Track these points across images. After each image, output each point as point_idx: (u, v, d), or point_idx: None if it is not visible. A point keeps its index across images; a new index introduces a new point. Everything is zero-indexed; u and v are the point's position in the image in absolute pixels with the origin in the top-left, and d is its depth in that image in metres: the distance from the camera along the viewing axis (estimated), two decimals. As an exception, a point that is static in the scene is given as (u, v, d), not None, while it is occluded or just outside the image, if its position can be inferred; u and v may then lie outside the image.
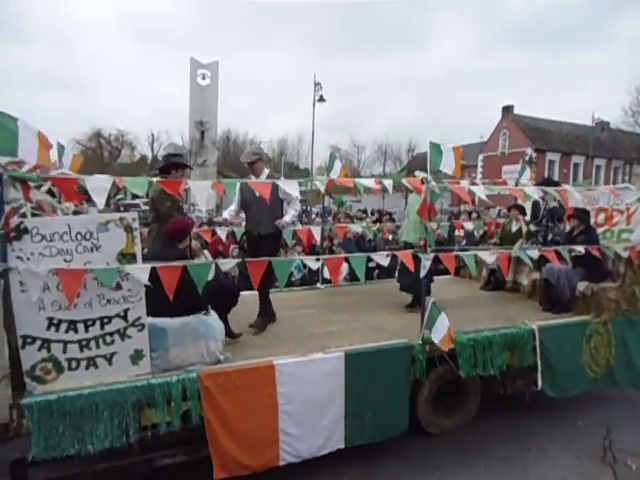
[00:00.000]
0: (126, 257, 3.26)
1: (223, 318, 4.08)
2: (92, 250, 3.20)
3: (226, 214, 5.23)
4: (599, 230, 6.02)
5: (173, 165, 4.39)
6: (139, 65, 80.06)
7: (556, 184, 5.75)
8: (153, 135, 45.08)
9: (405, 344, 4.14)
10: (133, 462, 3.39)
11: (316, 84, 27.60)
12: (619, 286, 5.29)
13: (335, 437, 3.89)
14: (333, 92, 66.60)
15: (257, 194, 4.44)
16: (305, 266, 7.45)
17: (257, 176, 4.87)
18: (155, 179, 3.65)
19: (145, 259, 3.45)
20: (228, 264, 3.67)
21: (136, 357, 3.39)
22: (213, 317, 3.86)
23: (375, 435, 4.08)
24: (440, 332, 4.05)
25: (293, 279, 7.72)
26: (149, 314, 3.44)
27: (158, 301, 3.43)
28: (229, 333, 4.20)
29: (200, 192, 4.33)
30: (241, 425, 3.52)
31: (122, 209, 19.18)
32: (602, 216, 6.29)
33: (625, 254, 5.19)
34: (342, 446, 3.92)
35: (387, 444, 4.18)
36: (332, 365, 3.84)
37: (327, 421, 3.83)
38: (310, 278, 7.59)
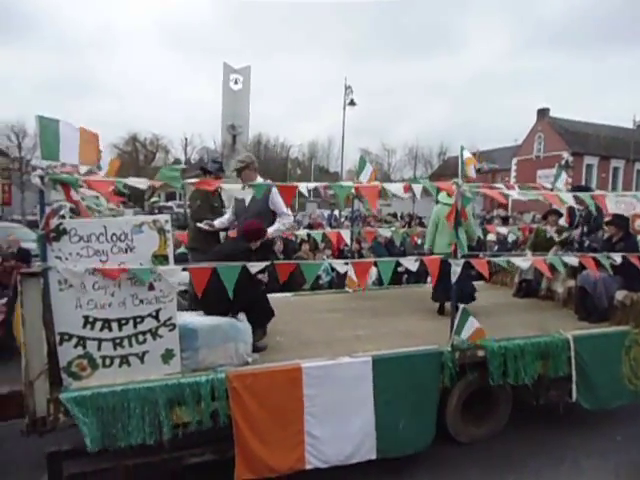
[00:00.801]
0: (159, 258, 3.35)
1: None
2: (126, 251, 3.30)
3: (224, 221, 4.99)
4: (638, 237, 5.81)
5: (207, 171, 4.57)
6: (174, 71, 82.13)
7: (588, 190, 5.57)
8: (186, 139, 46.11)
9: (434, 350, 4.08)
10: (163, 459, 3.46)
11: (347, 87, 27.64)
12: (661, 296, 5.07)
13: (366, 446, 3.82)
14: (364, 95, 66.05)
15: (246, 204, 4.45)
16: (333, 269, 7.45)
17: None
18: (188, 180, 3.73)
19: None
20: (257, 266, 3.70)
21: (167, 356, 3.47)
22: (243, 320, 3.91)
23: (408, 447, 4.00)
24: (469, 329, 3.99)
25: (321, 282, 7.74)
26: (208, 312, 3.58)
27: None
28: (253, 347, 4.07)
29: (231, 194, 4.47)
30: (267, 426, 3.54)
31: (156, 211, 19.70)
32: (639, 223, 6.07)
33: (667, 262, 4.96)
34: (374, 457, 3.84)
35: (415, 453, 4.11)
36: (359, 370, 3.82)
37: (356, 428, 3.79)
38: (339, 282, 7.59)
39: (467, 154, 4.47)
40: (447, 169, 40.85)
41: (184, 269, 3.53)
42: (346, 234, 7.30)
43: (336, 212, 21.46)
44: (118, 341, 3.35)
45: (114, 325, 3.32)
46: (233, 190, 3.99)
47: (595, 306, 5.28)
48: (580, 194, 4.90)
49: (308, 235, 8.35)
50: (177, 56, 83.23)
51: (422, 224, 13.36)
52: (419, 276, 8.61)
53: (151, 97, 76.59)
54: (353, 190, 4.43)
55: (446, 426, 4.30)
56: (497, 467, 4.20)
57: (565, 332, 4.56)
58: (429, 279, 7.08)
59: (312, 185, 4.37)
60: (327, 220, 19.82)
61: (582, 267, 5.06)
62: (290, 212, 4.75)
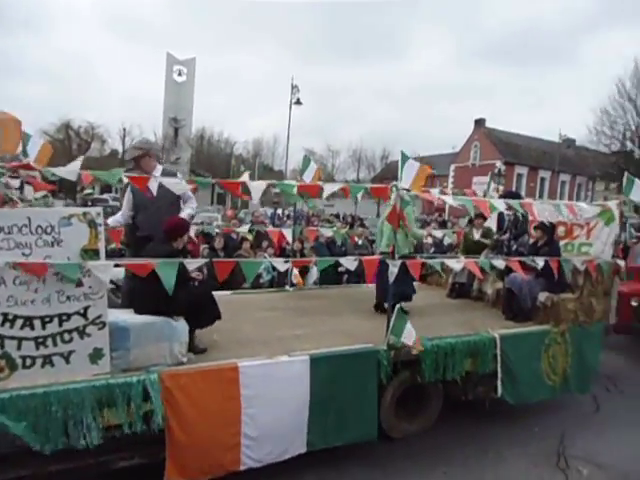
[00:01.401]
0: (89, 253, 3.18)
1: (191, 332, 3.93)
2: (53, 245, 3.11)
3: (119, 219, 4.60)
4: (561, 243, 6.24)
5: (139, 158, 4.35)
6: (112, 57, 78.32)
7: (518, 197, 5.93)
8: (125, 130, 44.07)
9: (371, 349, 4.17)
10: (88, 464, 3.29)
11: (293, 87, 27.69)
12: (577, 297, 5.48)
13: (298, 441, 3.85)
14: (311, 96, 66.62)
15: (155, 194, 4.00)
16: (275, 268, 7.42)
17: (147, 173, 4.35)
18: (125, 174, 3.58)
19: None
20: (194, 264, 3.61)
21: (95, 356, 3.30)
22: (179, 319, 3.79)
23: (338, 439, 4.07)
24: (411, 335, 4.10)
25: (262, 281, 7.69)
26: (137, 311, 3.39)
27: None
28: (192, 348, 3.95)
29: (178, 190, 4.31)
30: (202, 427, 3.45)
31: (89, 204, 18.69)
32: (562, 229, 6.53)
33: (583, 267, 5.38)
34: (304, 450, 3.89)
35: (349, 449, 4.18)
36: (297, 368, 3.83)
37: (291, 425, 3.80)
38: (280, 280, 7.57)
39: (412, 164, 4.51)
40: (389, 172, 41.92)
41: (116, 265, 3.38)
42: (288, 233, 7.30)
43: (279, 211, 21.39)
44: (41, 340, 3.14)
45: (37, 323, 3.12)
46: (172, 185, 3.88)
47: (520, 307, 5.60)
48: (510, 201, 5.20)
49: (251, 230, 8.29)
50: (117, 43, 79.44)
51: (363, 225, 13.61)
52: (359, 276, 8.78)
53: (87, 84, 72.57)
54: (296, 189, 4.46)
55: (380, 422, 4.41)
56: (428, 460, 4.37)
57: (492, 331, 4.82)
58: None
59: (256, 183, 4.34)
60: (270, 218, 19.71)
61: (510, 270, 5.37)
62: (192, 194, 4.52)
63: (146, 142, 4.36)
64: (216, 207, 28.04)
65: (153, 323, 3.54)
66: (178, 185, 3.85)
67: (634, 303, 7.74)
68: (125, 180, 3.54)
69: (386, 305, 5.32)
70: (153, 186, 3.64)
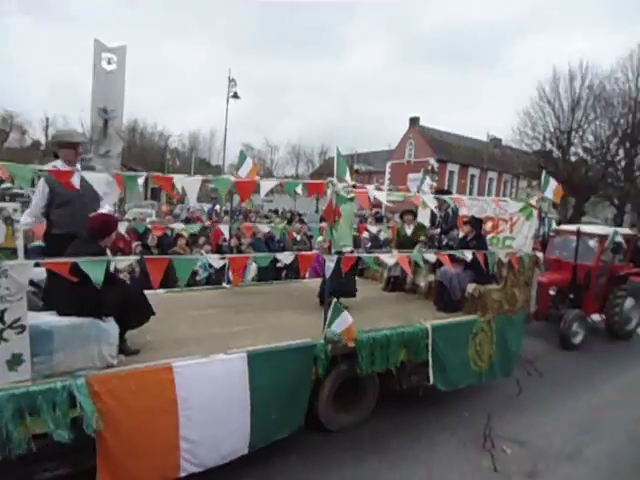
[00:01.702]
0: (4, 252, 2.95)
1: (122, 332, 3.76)
2: (-37, 243, 2.85)
3: (27, 220, 4.07)
4: (487, 237, 6.62)
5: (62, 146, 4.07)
6: (33, 42, 72.71)
7: (449, 193, 6.21)
8: (47, 119, 41.17)
9: (308, 344, 4.20)
10: (7, 477, 3.07)
11: (230, 80, 27.18)
12: (502, 288, 5.85)
13: (241, 443, 3.79)
14: (249, 91, 65.73)
15: (78, 188, 3.77)
16: (211, 265, 7.27)
17: (72, 163, 4.15)
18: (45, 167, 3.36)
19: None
20: (125, 261, 3.46)
21: (14, 362, 3.06)
22: (108, 320, 3.62)
23: (275, 434, 4.07)
24: (343, 326, 4.17)
25: (198, 278, 7.51)
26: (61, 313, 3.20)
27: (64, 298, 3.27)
28: (124, 349, 3.78)
29: (97, 184, 4.08)
30: (136, 432, 3.31)
31: (7, 199, 17.30)
32: (490, 224, 6.92)
33: (507, 259, 5.74)
34: (246, 452, 3.84)
35: (287, 443, 4.19)
36: (235, 366, 3.77)
37: (233, 426, 3.73)
38: (217, 278, 7.43)
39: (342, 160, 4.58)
40: (328, 168, 42.29)
41: (37, 264, 3.17)
42: (225, 229, 7.18)
43: (217, 206, 20.96)
44: (-50, 347, 2.88)
45: (-55, 329, 2.86)
46: (98, 179, 3.69)
47: (450, 298, 5.88)
48: (442, 196, 5.43)
49: (185, 229, 8.05)
50: (39, 27, 73.80)
51: (302, 221, 13.64)
52: (298, 272, 8.81)
53: (4, 69, 66.92)
54: (233, 184, 4.40)
55: (318, 415, 4.47)
56: (364, 450, 4.49)
57: (425, 322, 5.02)
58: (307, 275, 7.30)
59: (190, 179, 4.21)
60: (207, 214, 19.26)
61: (441, 263, 5.62)
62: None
63: (67, 132, 4.05)
64: (150, 202, 26.95)
65: (79, 325, 3.35)
66: (104, 180, 3.65)
67: (552, 292, 8.38)
68: (40, 181, 3.30)
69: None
70: (77, 180, 3.43)
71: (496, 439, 4.80)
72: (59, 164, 4.15)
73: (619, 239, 8.74)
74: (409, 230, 7.16)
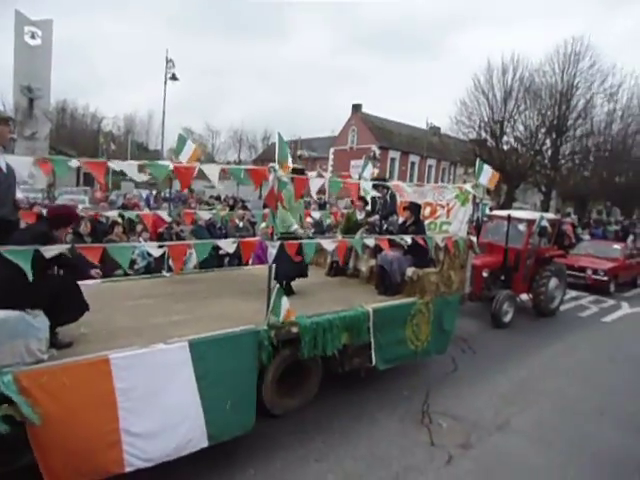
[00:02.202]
0: None
1: (53, 326, 3.56)
2: None
3: None
4: (426, 222, 6.86)
5: None
6: (-56, 10, 65.91)
7: (385, 181, 6.37)
8: (-38, 97, 37.63)
9: (251, 330, 4.18)
10: None
11: (168, 61, 26.11)
12: (439, 271, 6.10)
13: (195, 435, 3.69)
14: (190, 74, 63.60)
15: (5, 171, 3.59)
16: (150, 254, 7.03)
17: (5, 141, 3.94)
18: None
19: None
20: (54, 250, 3.27)
21: None
22: (37, 314, 3.41)
23: (237, 428, 4.01)
24: (282, 310, 4.20)
25: (137, 267, 7.25)
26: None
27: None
28: (55, 343, 3.58)
29: (21, 169, 3.81)
30: (73, 428, 3.17)
31: None
32: (428, 210, 7.18)
33: (443, 243, 5.99)
34: (206, 444, 3.74)
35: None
36: (176, 356, 3.69)
37: (180, 417, 3.63)
38: (156, 266, 7.21)
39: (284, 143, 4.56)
40: (270, 153, 41.90)
41: None
42: (165, 216, 6.96)
43: (155, 192, 20.22)
44: None
45: None
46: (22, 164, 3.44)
47: (391, 282, 6.07)
48: (381, 183, 5.56)
49: (121, 216, 7.71)
50: (-52, -8, 66.92)
51: (245, 207, 13.48)
52: (240, 259, 8.72)
53: None
54: (171, 170, 4.25)
55: (263, 401, 4.49)
56: (308, 433, 4.58)
57: (366, 305, 5.16)
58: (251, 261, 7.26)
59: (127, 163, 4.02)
60: (145, 201, 18.54)
61: (381, 249, 5.77)
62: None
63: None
64: (82, 189, 25.51)
65: (5, 320, 3.14)
66: (28, 165, 3.41)
67: (485, 274, 8.85)
68: None
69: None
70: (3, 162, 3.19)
71: (433, 414, 5.05)
72: None
73: (545, 223, 9.36)
74: (360, 216, 7.29)
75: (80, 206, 12.95)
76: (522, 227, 9.51)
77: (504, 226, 9.28)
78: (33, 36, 29.81)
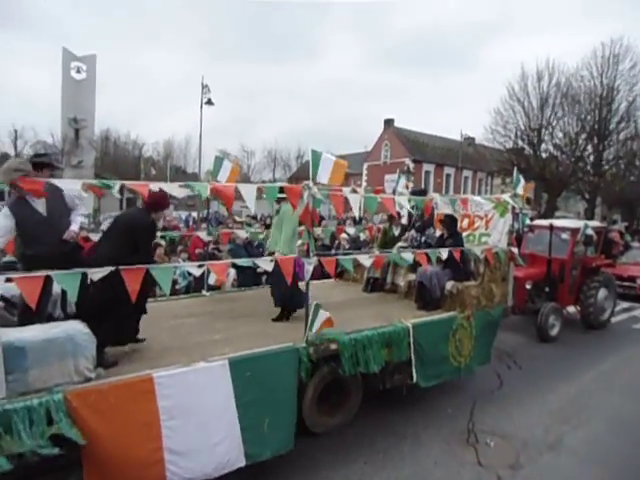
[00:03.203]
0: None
1: (100, 346, 3.68)
2: None
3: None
4: (464, 234, 6.72)
5: (35, 166, 3.96)
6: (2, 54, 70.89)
7: (424, 193, 6.30)
8: (16, 131, 40.11)
9: (290, 347, 4.19)
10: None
11: (204, 86, 26.94)
12: (479, 284, 5.95)
13: (234, 454, 3.70)
14: (224, 97, 65.47)
15: (38, 208, 3.73)
16: (190, 273, 7.19)
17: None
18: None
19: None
20: (99, 273, 3.40)
21: (-13, 381, 2.99)
22: (84, 332, 3.54)
23: (277, 448, 3.98)
24: (319, 321, 4.19)
25: (178, 287, 7.42)
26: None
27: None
28: (102, 362, 3.69)
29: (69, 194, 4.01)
30: (119, 445, 3.24)
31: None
32: (466, 221, 7.04)
33: (483, 256, 5.84)
34: (243, 464, 3.74)
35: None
36: (217, 374, 3.73)
37: (220, 436, 3.66)
38: (196, 286, 7.36)
39: (327, 158, 4.59)
40: (305, 172, 42.32)
41: (8, 280, 3.09)
42: (204, 237, 7.14)
43: (194, 214, 20.76)
44: None
45: None
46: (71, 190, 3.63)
47: (431, 296, 5.95)
48: (415, 197, 5.50)
49: (163, 237, 7.95)
50: (5, 36, 72.09)
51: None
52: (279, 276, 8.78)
53: (-32, 81, 64.99)
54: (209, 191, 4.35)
55: (303, 419, 4.46)
56: (350, 452, 4.50)
57: (405, 321, 5.07)
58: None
59: (168, 186, 4.15)
60: (184, 222, 19.06)
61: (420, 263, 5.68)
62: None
63: (21, 163, 3.85)
64: (126, 212, 26.49)
65: (54, 340, 3.27)
66: (76, 191, 3.59)
67: (528, 286, 8.56)
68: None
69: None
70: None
71: (479, 433, 4.88)
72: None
73: (590, 232, 8.98)
74: (396, 231, 7.25)
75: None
76: (566, 236, 9.16)
77: (546, 236, 8.97)
78: (78, 70, 31.63)
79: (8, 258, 5.48)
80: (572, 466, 4.45)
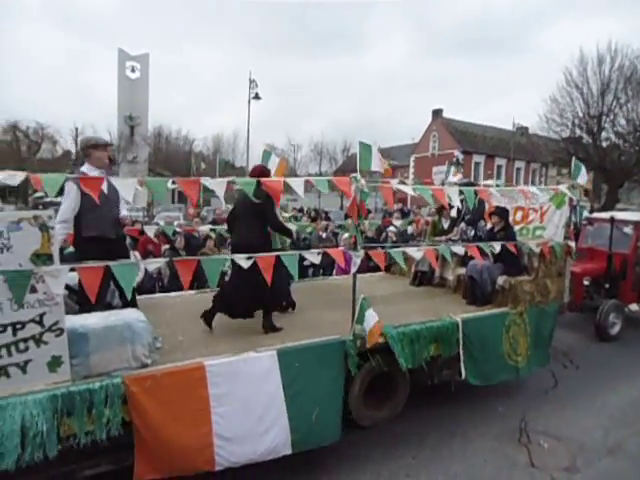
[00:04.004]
0: (41, 258, 3.06)
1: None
2: (2, 251, 2.97)
3: (66, 227, 4.19)
4: (517, 227, 6.47)
5: (91, 148, 4.22)
6: (64, 56, 74.95)
7: (472, 185, 6.09)
8: (77, 129, 42.30)
9: (337, 340, 4.20)
10: (50, 476, 3.18)
11: (251, 81, 27.37)
12: (533, 279, 5.71)
13: (280, 442, 3.77)
14: (271, 91, 66.47)
15: (106, 192, 3.78)
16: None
17: (103, 166, 4.41)
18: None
19: None
20: (154, 264, 3.54)
21: (54, 364, 3.18)
22: (140, 320, 3.70)
23: (323, 438, 4.02)
24: (368, 326, 4.15)
25: (227, 279, 7.58)
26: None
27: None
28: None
29: (126, 190, 4.17)
30: (171, 429, 3.38)
31: (41, 207, 17.92)
32: (520, 214, 6.77)
33: (538, 250, 5.60)
34: (289, 452, 3.80)
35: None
36: (265, 364, 3.81)
37: (267, 424, 3.73)
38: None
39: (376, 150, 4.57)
40: (350, 165, 42.17)
41: (72, 269, 3.27)
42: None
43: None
44: (-6, 351, 3.01)
45: (-12, 333, 2.98)
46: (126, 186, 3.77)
47: (481, 291, 5.78)
48: (465, 188, 5.32)
49: (213, 230, 8.16)
50: (68, 40, 76.07)
51: (328, 218, 13.66)
52: (325, 269, 8.83)
53: (35, 83, 69.22)
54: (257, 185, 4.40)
55: (350, 412, 4.46)
56: (398, 447, 4.46)
57: (455, 316, 4.95)
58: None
59: (216, 180, 4.24)
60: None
61: (471, 256, 5.52)
62: None
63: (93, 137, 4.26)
64: (177, 206, 27.43)
65: (113, 327, 3.44)
66: (130, 186, 3.73)
67: (586, 282, 8.13)
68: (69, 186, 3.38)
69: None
70: (105, 187, 3.51)
71: (532, 434, 4.70)
72: (86, 169, 4.29)
73: (656, 225, 8.41)
74: (446, 224, 7.09)
75: (175, 222, 13.93)
76: (628, 230, 8.62)
77: (607, 230, 8.47)
78: (133, 69, 32.96)
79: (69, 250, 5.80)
80: (635, 473, 4.21)
